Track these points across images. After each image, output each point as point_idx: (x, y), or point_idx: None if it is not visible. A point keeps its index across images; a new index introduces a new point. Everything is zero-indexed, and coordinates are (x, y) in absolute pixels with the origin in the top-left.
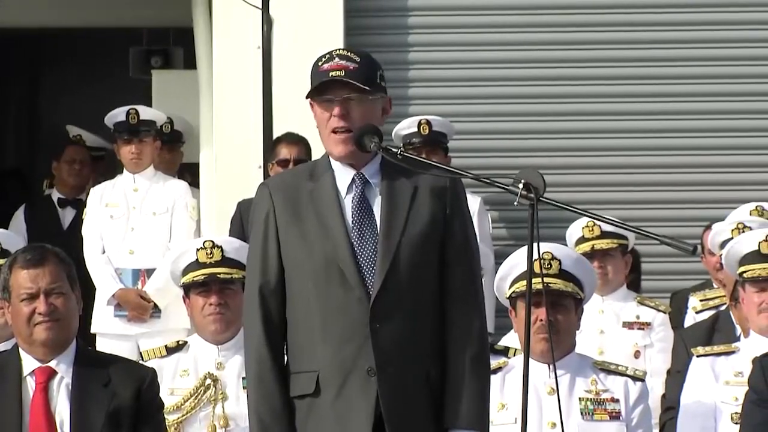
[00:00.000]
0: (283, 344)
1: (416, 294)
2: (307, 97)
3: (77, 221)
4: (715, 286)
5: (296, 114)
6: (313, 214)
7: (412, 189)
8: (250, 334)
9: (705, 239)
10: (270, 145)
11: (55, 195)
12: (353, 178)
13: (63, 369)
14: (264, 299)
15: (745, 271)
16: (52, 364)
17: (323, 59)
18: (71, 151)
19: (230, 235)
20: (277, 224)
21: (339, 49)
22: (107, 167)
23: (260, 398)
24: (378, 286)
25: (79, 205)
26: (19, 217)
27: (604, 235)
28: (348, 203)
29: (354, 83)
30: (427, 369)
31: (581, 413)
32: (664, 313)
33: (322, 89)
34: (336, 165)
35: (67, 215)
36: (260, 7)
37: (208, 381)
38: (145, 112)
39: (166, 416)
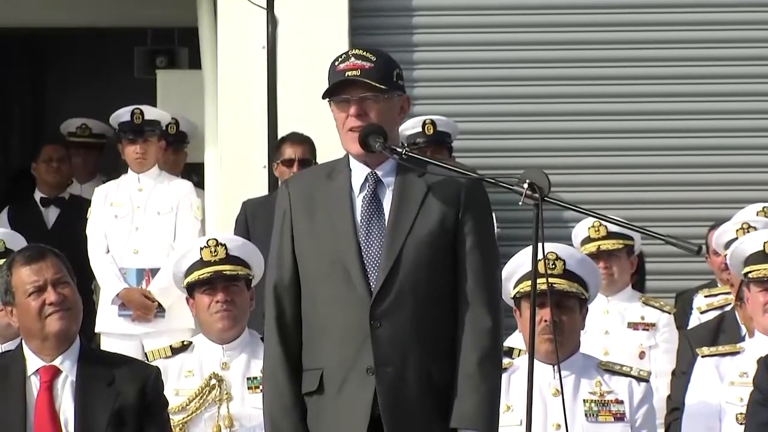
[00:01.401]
0: (297, 341)
1: (420, 294)
2: (323, 98)
3: (61, 220)
4: (719, 286)
5: (301, 114)
6: (325, 212)
7: (425, 189)
8: (267, 332)
9: (710, 239)
10: (275, 144)
11: (38, 195)
12: (366, 177)
13: (67, 367)
14: (278, 297)
15: (750, 271)
16: (57, 362)
17: (339, 59)
18: (48, 150)
19: (235, 235)
20: (293, 222)
21: (355, 49)
22: (107, 158)
23: (272, 395)
24: (379, 285)
25: (62, 204)
26: (2, 218)
27: (610, 235)
28: (359, 202)
29: (369, 82)
30: (429, 369)
31: (586, 415)
32: (669, 313)
33: (338, 89)
34: (353, 164)
35: (50, 215)
36: (265, 6)
37: (213, 381)
38: (149, 112)
39: (171, 416)
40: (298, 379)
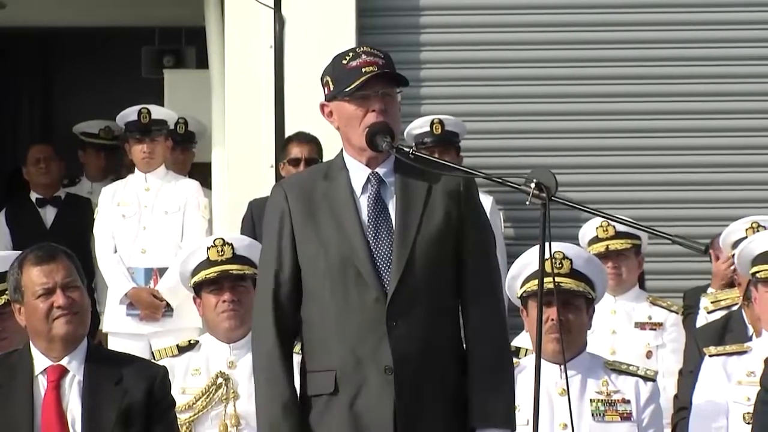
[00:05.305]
0: (293, 343)
1: (432, 292)
2: (346, 95)
3: (59, 220)
4: (711, 289)
5: (308, 113)
6: (328, 213)
7: (427, 188)
8: (261, 333)
9: (714, 245)
10: (282, 144)
11: (33, 195)
12: (368, 177)
13: (75, 367)
14: (277, 298)
15: (758, 271)
16: (64, 362)
17: (348, 57)
18: (33, 152)
19: (242, 235)
20: (293, 223)
21: (360, 47)
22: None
23: (269, 395)
24: (394, 285)
25: (59, 203)
26: (0, 220)
27: (618, 235)
28: (363, 202)
29: (402, 76)
30: (445, 367)
31: (592, 414)
32: (677, 313)
33: (362, 85)
34: (351, 164)
35: (48, 214)
36: (272, 6)
37: (220, 380)
38: (156, 112)
39: (177, 415)
40: (293, 380)
